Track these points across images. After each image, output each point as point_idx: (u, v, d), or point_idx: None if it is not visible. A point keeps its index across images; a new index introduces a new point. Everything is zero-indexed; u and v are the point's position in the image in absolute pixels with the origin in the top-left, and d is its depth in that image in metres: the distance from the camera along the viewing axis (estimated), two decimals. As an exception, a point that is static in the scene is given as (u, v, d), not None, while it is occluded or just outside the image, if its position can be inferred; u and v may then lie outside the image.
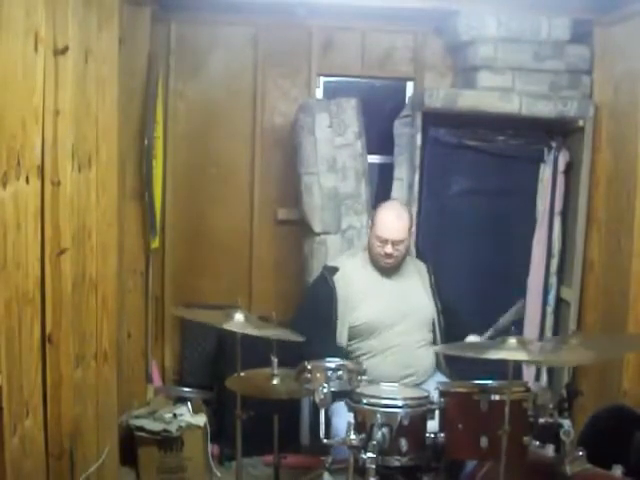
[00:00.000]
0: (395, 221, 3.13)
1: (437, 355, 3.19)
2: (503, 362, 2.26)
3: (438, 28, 4.19)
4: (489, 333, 3.04)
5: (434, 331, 3.22)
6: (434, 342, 3.21)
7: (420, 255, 3.39)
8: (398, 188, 4.01)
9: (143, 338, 3.97)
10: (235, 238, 4.36)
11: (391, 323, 3.13)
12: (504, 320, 3.08)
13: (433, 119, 3.87)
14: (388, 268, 3.19)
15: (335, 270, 3.22)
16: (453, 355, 3.09)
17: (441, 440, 2.39)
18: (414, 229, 3.51)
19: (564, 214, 4.01)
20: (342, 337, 3.14)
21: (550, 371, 4.01)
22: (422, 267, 3.30)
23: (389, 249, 3.10)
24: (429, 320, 3.21)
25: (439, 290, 3.26)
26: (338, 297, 3.15)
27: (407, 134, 3.99)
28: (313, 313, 3.18)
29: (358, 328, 3.14)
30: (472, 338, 3.03)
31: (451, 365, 3.15)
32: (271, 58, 4.26)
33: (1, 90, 1.98)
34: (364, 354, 3.12)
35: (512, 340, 2.29)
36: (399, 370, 3.06)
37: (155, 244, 3.99)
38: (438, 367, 3.21)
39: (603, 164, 3.79)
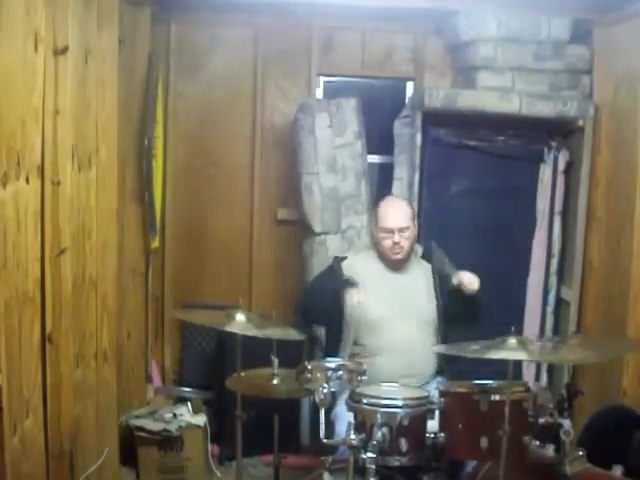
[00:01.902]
0: (395, 209, 3.20)
1: (440, 360, 3.16)
2: (504, 362, 2.26)
3: (438, 28, 4.19)
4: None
5: (436, 334, 3.18)
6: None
7: (426, 254, 3.34)
8: (398, 188, 4.00)
9: (143, 338, 3.97)
10: (235, 238, 4.36)
11: (391, 320, 3.12)
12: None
13: (433, 119, 3.87)
14: (396, 263, 3.19)
15: (343, 259, 3.27)
16: (455, 358, 3.10)
17: (441, 440, 2.39)
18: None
19: (564, 214, 4.01)
20: (350, 330, 3.15)
21: (550, 371, 4.01)
22: (427, 268, 3.27)
23: (397, 238, 3.13)
24: (431, 322, 3.18)
25: (442, 291, 3.21)
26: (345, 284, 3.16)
27: (407, 134, 3.99)
28: (322, 287, 3.20)
29: (361, 323, 3.14)
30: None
31: (452, 370, 3.11)
32: (271, 58, 4.26)
33: (1, 90, 1.98)
34: (365, 352, 3.12)
35: (512, 340, 2.29)
36: (399, 371, 3.03)
37: (155, 244, 3.99)
38: (440, 373, 3.17)
39: (603, 164, 3.79)
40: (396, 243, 3.13)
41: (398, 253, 3.16)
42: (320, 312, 3.20)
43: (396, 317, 3.13)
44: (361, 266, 3.23)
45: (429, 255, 3.32)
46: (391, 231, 3.13)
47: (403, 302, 3.16)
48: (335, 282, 3.16)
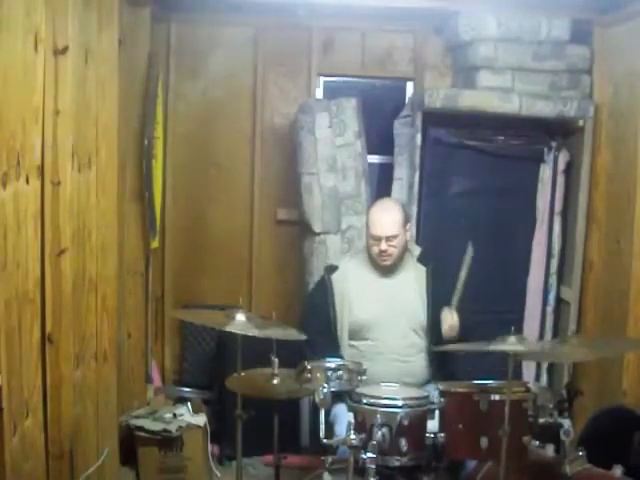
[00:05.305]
0: (383, 216, 3.12)
1: (432, 365, 3.14)
2: (503, 362, 2.26)
3: (438, 28, 4.19)
4: (456, 297, 3.04)
5: (427, 339, 3.13)
6: (427, 350, 3.12)
7: (424, 257, 3.27)
8: (398, 188, 4.01)
9: (143, 338, 3.97)
10: (235, 238, 4.36)
11: (378, 324, 3.10)
12: (462, 275, 3.08)
13: (433, 119, 3.87)
14: (386, 267, 3.16)
15: (335, 269, 3.24)
16: (444, 362, 3.10)
17: (441, 440, 2.39)
18: (413, 227, 3.45)
19: (564, 214, 4.01)
20: (343, 336, 3.15)
21: (550, 371, 4.01)
22: (422, 271, 3.21)
23: (383, 246, 3.07)
24: (419, 326, 3.13)
25: (437, 296, 3.14)
26: (335, 296, 3.16)
27: (407, 134, 3.99)
28: (314, 319, 3.19)
29: (351, 328, 3.14)
30: (446, 310, 3.04)
31: (443, 376, 3.04)
32: (271, 58, 4.26)
33: (1, 90, 1.98)
34: (356, 356, 3.10)
35: (511, 338, 2.30)
36: (387, 375, 2.96)
37: (155, 244, 3.99)
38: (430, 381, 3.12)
39: (603, 164, 3.79)
40: (383, 251, 3.09)
41: (385, 260, 3.12)
42: (321, 332, 3.16)
43: (383, 321, 3.11)
44: (353, 271, 3.21)
45: (427, 258, 3.26)
46: (378, 239, 3.08)
47: (391, 306, 3.13)
48: (326, 299, 3.17)
